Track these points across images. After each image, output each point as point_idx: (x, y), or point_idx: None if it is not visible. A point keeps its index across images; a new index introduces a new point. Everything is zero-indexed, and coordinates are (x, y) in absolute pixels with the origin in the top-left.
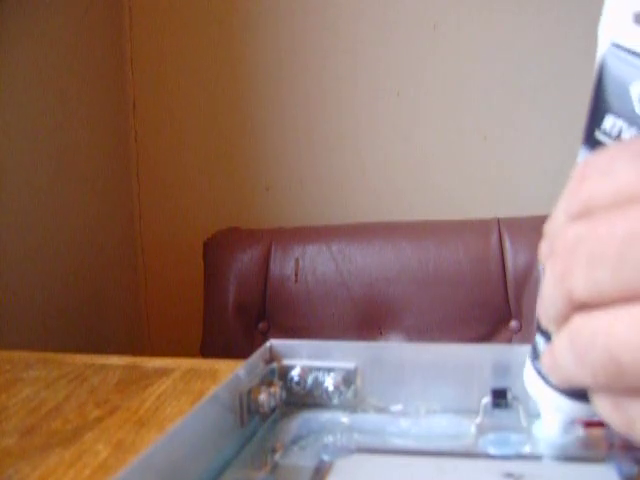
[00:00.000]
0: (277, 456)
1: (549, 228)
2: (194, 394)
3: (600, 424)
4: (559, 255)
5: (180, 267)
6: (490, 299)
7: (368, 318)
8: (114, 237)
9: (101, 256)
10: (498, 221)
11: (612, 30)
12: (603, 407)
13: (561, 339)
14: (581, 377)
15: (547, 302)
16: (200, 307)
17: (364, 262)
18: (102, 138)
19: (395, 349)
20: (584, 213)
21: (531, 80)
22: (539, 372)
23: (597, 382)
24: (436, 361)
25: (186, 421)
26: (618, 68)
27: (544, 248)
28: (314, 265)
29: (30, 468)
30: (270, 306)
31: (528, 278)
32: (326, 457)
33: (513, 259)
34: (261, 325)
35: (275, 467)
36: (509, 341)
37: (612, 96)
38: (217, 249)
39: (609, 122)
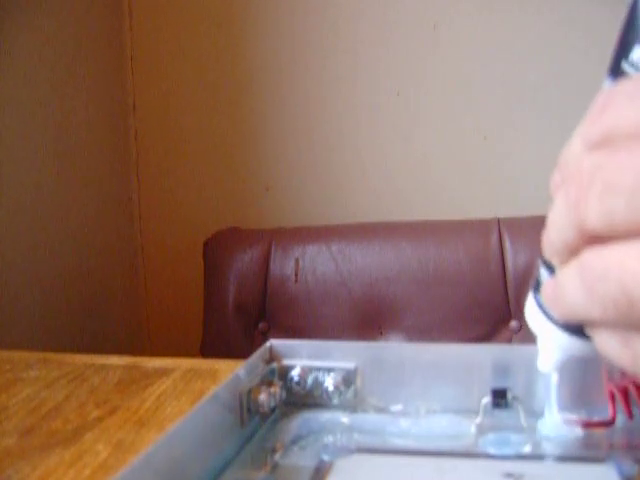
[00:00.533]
0: (277, 456)
1: (563, 157)
2: (194, 394)
3: (600, 424)
4: (574, 183)
5: (180, 267)
6: (490, 299)
7: (368, 318)
8: (114, 237)
9: (101, 256)
10: (498, 221)
11: None
12: (608, 342)
13: (569, 272)
14: (589, 311)
15: (555, 232)
16: (200, 307)
17: (364, 262)
18: (102, 138)
19: (395, 349)
20: (605, 142)
21: (531, 80)
22: (540, 305)
23: (606, 317)
24: (436, 361)
25: (186, 421)
26: None
27: (556, 177)
28: (314, 265)
29: (30, 468)
30: (270, 306)
31: (528, 278)
32: (326, 457)
33: (513, 259)
34: (261, 325)
35: (275, 467)
36: (509, 341)
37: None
38: (217, 249)
39: (638, 53)
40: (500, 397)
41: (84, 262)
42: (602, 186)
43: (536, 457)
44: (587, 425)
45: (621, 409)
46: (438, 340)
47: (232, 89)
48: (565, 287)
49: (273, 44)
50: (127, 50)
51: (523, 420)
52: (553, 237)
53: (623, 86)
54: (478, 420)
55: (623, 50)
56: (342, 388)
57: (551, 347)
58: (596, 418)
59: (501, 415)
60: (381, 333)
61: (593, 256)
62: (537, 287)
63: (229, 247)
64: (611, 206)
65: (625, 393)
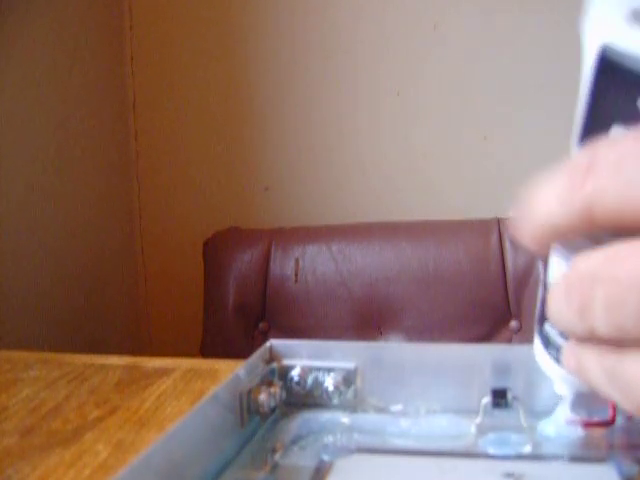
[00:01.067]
0: (277, 456)
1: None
2: (194, 394)
3: (600, 424)
4: (574, 288)
5: (180, 267)
6: (490, 299)
7: (368, 318)
8: (114, 237)
9: (101, 256)
10: (498, 221)
11: (603, 31)
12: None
13: (593, 365)
14: (618, 402)
15: (564, 321)
16: (200, 307)
17: (364, 262)
18: (102, 138)
19: (395, 349)
20: (586, 215)
21: (531, 80)
22: (553, 357)
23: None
24: (436, 361)
25: (186, 421)
26: (618, 74)
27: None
28: (314, 265)
29: (30, 468)
30: (270, 306)
31: (528, 278)
32: (326, 457)
33: (513, 259)
34: (261, 325)
35: (275, 467)
36: (509, 341)
37: (615, 106)
38: (217, 249)
39: (616, 133)
40: (500, 397)
41: (84, 262)
42: (604, 302)
43: (536, 457)
44: (587, 425)
45: (621, 409)
46: (438, 340)
47: (232, 89)
48: (591, 374)
49: (273, 44)
50: (127, 50)
51: (523, 420)
52: (562, 322)
53: (611, 150)
54: (478, 420)
55: (596, 127)
56: (342, 388)
57: (564, 385)
58: (596, 418)
59: (501, 415)
60: (381, 333)
61: (615, 363)
62: (546, 341)
63: (229, 247)
64: (619, 321)
65: None
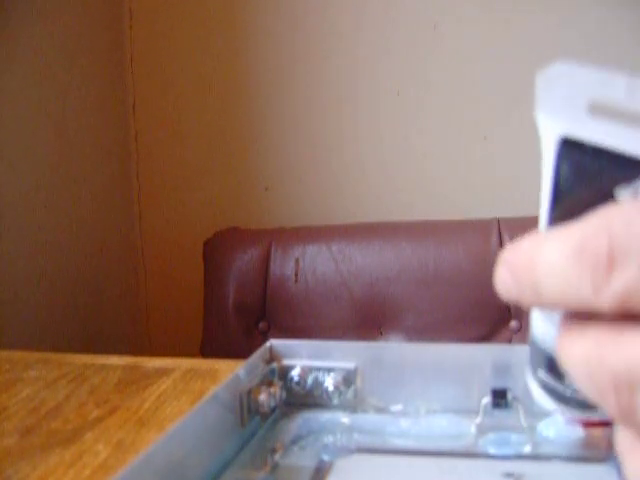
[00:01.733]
0: (277, 456)
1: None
2: (194, 394)
3: (600, 424)
4: (605, 389)
5: (180, 267)
6: (490, 299)
7: (368, 318)
8: (114, 237)
9: (101, 256)
10: (498, 221)
11: (562, 123)
12: None
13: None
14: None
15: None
16: (200, 307)
17: (364, 262)
18: (102, 138)
19: (395, 349)
20: (620, 308)
21: (531, 80)
22: (555, 400)
23: None
24: (436, 361)
25: (186, 421)
26: (580, 163)
27: (508, 279)
28: (314, 265)
29: (30, 468)
30: (270, 306)
31: None
32: (326, 457)
33: None
34: (261, 325)
35: (275, 467)
36: (509, 341)
37: (580, 194)
38: (217, 249)
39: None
40: (500, 397)
41: (84, 262)
42: None
43: (536, 457)
44: (587, 425)
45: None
46: (438, 340)
47: (232, 89)
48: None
49: (273, 43)
50: (127, 50)
51: (523, 420)
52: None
53: (630, 238)
54: (478, 420)
55: (563, 209)
56: (342, 388)
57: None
58: (596, 418)
59: (501, 415)
60: (381, 333)
61: None
62: (540, 381)
63: (229, 247)
64: None
65: None
